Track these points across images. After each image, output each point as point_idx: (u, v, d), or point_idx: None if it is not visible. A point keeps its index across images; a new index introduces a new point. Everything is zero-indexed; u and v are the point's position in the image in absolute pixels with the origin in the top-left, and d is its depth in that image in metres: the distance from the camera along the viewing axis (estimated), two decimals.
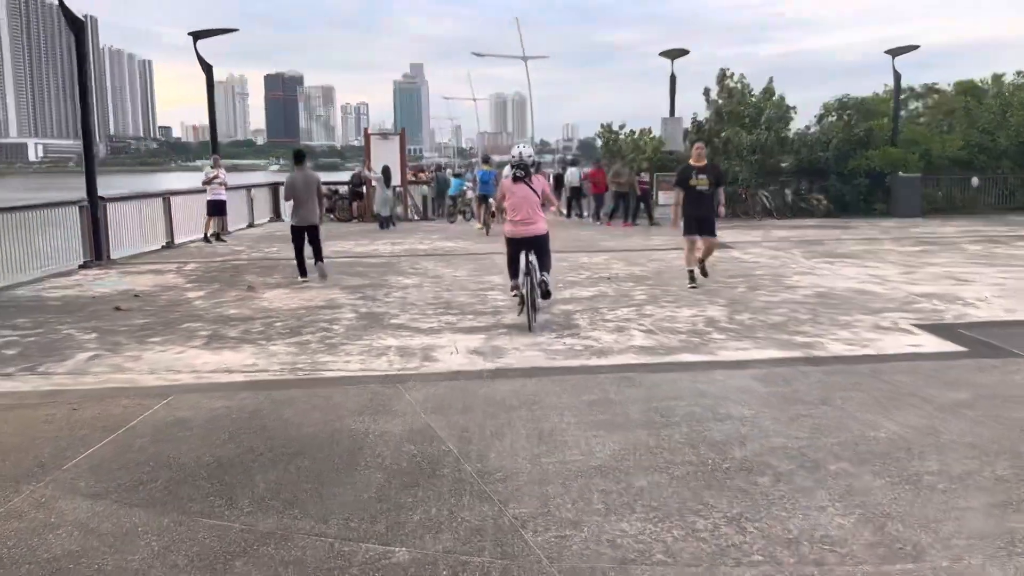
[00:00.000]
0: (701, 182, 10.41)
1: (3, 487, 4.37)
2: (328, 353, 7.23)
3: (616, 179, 20.40)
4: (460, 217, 22.65)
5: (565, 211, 24.20)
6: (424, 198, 24.85)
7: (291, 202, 11.61)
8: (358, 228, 20.49)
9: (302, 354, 7.20)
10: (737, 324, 8.27)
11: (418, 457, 4.68)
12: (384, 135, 23.54)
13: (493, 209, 14.37)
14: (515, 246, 8.37)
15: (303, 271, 11.50)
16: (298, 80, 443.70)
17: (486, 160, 23.71)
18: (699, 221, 10.41)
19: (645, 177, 20.61)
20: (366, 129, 25.44)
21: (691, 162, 10.70)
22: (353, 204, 22.71)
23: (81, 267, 12.96)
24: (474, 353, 7.18)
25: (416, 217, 24.02)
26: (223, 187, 17.12)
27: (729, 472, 4.41)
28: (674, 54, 22.74)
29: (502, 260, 9.11)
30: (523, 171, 8.39)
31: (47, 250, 12.61)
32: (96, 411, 5.67)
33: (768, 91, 22.24)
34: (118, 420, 5.44)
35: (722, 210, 10.82)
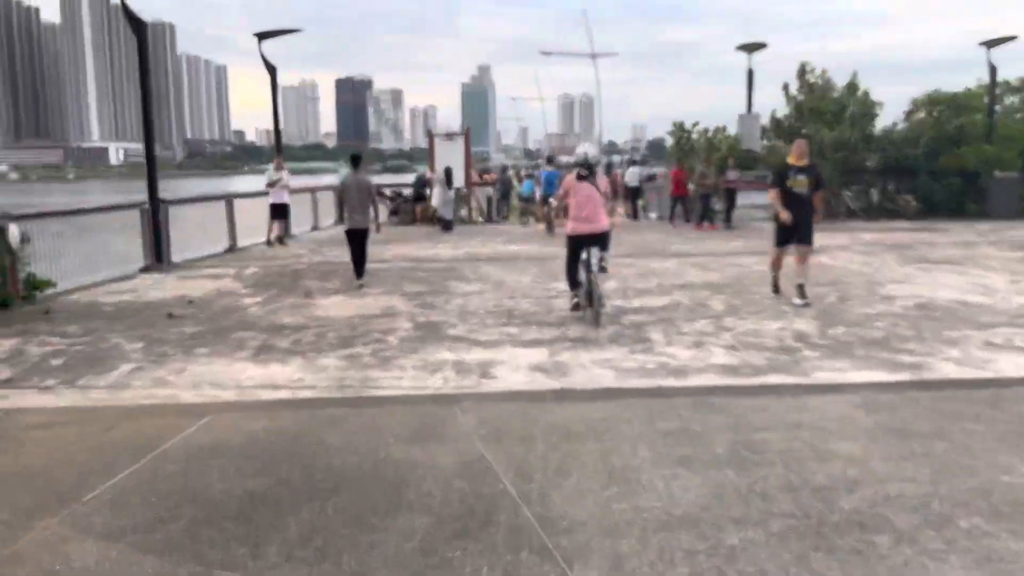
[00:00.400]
0: (800, 183, 9.22)
1: (15, 522, 3.96)
2: (380, 368, 6.71)
3: (701, 180, 19.50)
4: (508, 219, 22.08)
5: (632, 213, 23.45)
6: (489, 200, 24.36)
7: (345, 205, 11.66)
8: (421, 231, 20.11)
9: (352, 368, 6.70)
10: (830, 339, 7.45)
11: (471, 498, 4.09)
12: (449, 136, 23.13)
13: (555, 209, 14.32)
14: (578, 243, 8.61)
15: (359, 272, 11.45)
16: (367, 84, 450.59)
17: (551, 160, 23.12)
18: (794, 227, 9.23)
19: (733, 175, 19.54)
20: (430, 130, 25.12)
21: (790, 160, 9.47)
22: (417, 207, 22.35)
23: (141, 271, 12.82)
24: (536, 370, 6.57)
25: (480, 219, 23.55)
26: (286, 190, 16.89)
27: (838, 528, 3.70)
28: (751, 48, 21.70)
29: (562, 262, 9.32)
30: (587, 170, 8.62)
31: (108, 254, 12.52)
32: (129, 431, 5.26)
33: (852, 86, 21.03)
34: (150, 442, 5.01)
35: (818, 216, 9.54)
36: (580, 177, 8.56)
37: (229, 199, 16.14)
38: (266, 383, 6.34)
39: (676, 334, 7.77)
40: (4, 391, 6.22)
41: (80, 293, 10.66)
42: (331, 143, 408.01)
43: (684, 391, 5.93)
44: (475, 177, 25.10)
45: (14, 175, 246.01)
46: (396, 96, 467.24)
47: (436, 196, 20.38)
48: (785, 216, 9.22)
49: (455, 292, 10.40)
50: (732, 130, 22.21)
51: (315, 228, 20.51)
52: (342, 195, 11.91)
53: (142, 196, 13.49)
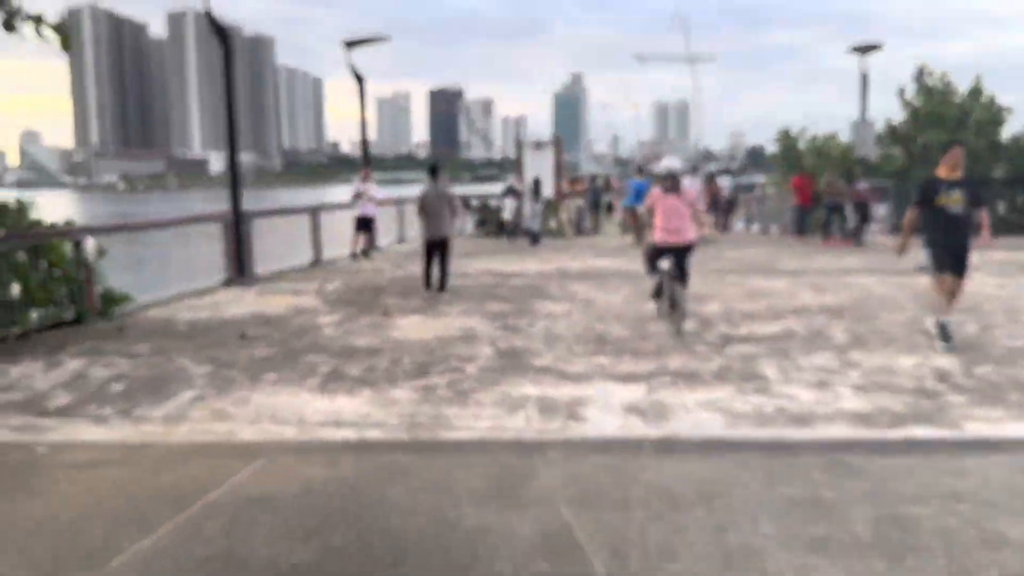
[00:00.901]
0: (954, 200, 7.58)
1: None
2: (455, 403, 6.03)
3: (829, 189, 18.17)
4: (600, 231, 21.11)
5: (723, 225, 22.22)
6: (579, 211, 23.55)
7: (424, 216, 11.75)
8: (507, 244, 19.49)
9: (425, 403, 6.04)
10: (978, 380, 6.37)
11: None
12: (538, 145, 22.50)
13: (641, 221, 14.15)
14: (659, 252, 8.78)
15: (428, 283, 11.53)
16: (459, 93, 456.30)
17: (640, 170, 22.20)
18: (951, 254, 7.63)
19: (863, 185, 18.05)
20: (519, 139, 24.53)
21: (939, 173, 7.78)
22: (504, 218, 21.73)
23: (223, 284, 12.58)
24: (632, 411, 5.76)
25: (570, 232, 22.79)
26: (372, 202, 16.54)
27: None
28: (865, 49, 20.21)
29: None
30: (672, 182, 8.70)
31: (192, 266, 12.35)
32: (176, 475, 4.73)
33: (976, 91, 19.36)
34: (196, 490, 4.45)
35: (986, 235, 7.93)
36: (665, 190, 8.70)
37: (314, 211, 15.87)
38: (330, 419, 5.75)
39: (794, 369, 6.82)
40: (57, 421, 5.83)
41: (158, 308, 10.41)
42: (422, 153, 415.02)
43: (810, 445, 5.02)
44: (565, 187, 24.38)
45: (121, 185, 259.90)
46: (487, 105, 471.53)
47: (524, 208, 19.71)
48: (902, 251, 8.07)
49: (541, 313, 9.67)
50: (841, 137, 20.80)
51: (402, 240, 20.16)
52: (422, 206, 11.82)
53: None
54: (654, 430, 5.36)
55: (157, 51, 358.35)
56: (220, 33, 12.55)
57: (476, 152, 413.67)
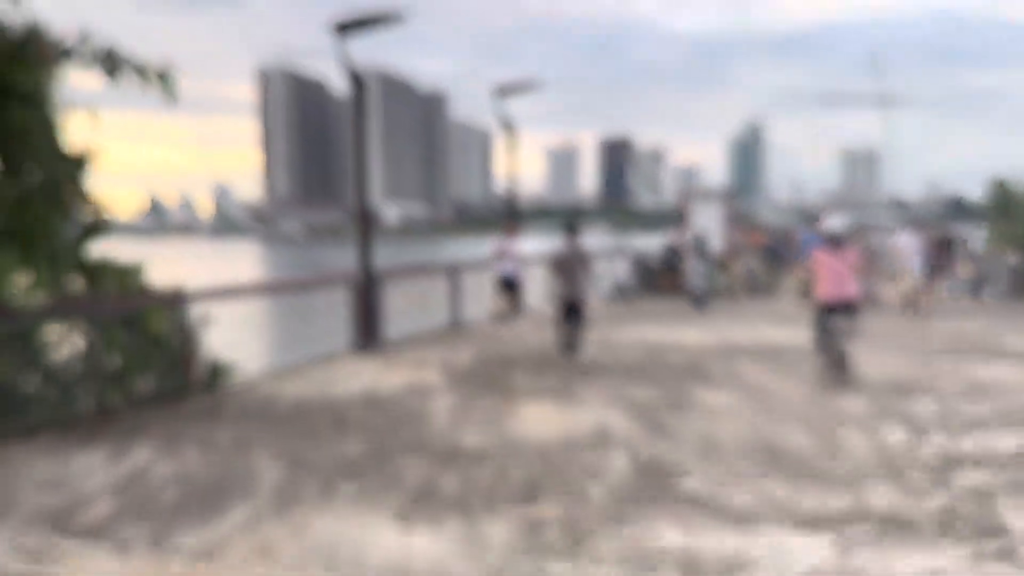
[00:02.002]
0: None
1: None
2: (566, 555, 4.42)
3: None
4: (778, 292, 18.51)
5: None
6: (754, 269, 21.12)
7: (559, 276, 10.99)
8: (667, 306, 17.62)
9: (524, 551, 4.47)
10: None
11: None
12: (705, 195, 20.55)
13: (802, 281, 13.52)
14: (826, 312, 9.01)
15: (564, 349, 10.80)
16: (628, 142, 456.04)
17: (814, 223, 19.70)
18: None
19: None
20: (684, 190, 22.65)
21: None
22: (664, 276, 19.86)
23: (349, 352, 11.64)
24: None
25: (742, 292, 20.53)
26: (516, 260, 15.28)
27: None
28: None
29: (855, 361, 9.06)
30: (836, 241, 9.00)
31: (326, 327, 11.51)
32: None
33: None
34: None
35: None
36: (828, 249, 9.01)
37: (452, 270, 14.80)
38: (396, 566, 4.30)
39: None
40: (76, 544, 4.74)
41: (269, 381, 9.49)
42: (590, 203, 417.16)
43: None
44: (740, 239, 22.21)
45: (302, 234, 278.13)
46: (658, 154, 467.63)
47: (688, 266, 17.73)
48: None
49: (697, 405, 7.86)
50: None
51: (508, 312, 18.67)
52: (555, 265, 11.12)
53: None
54: None
55: (339, 108, 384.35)
56: (354, 79, 11.81)
57: (646, 201, 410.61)
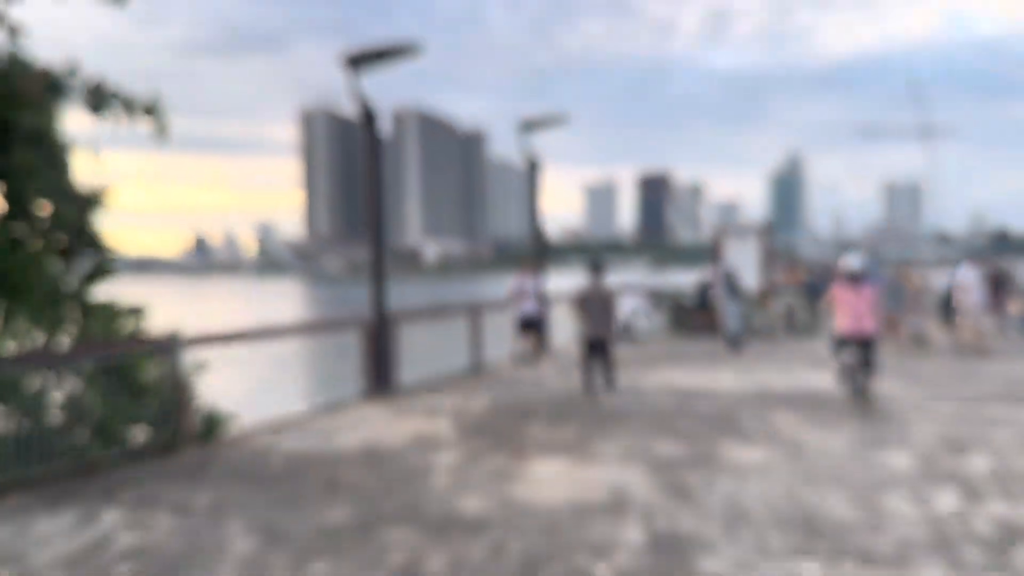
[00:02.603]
0: None
1: None
2: None
3: None
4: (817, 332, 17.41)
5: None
6: (791, 306, 20.14)
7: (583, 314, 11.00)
8: (700, 347, 16.80)
9: None
10: None
11: None
12: (740, 231, 19.76)
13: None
14: (842, 343, 9.82)
15: (588, 389, 10.84)
16: (667, 177, 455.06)
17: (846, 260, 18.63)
18: None
19: None
20: (718, 225, 21.88)
21: None
22: (698, 316, 19.05)
23: (361, 399, 11.07)
24: None
25: (781, 332, 19.62)
26: (537, 299, 14.64)
27: None
28: None
29: (900, 409, 9.29)
30: (854, 279, 9.85)
31: (322, 377, 10.98)
32: None
33: None
34: None
35: None
36: (848, 285, 9.89)
37: (474, 310, 14.21)
38: None
39: None
40: None
41: (268, 432, 8.92)
42: (629, 238, 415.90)
43: None
44: (780, 277, 21.33)
45: (343, 272, 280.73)
46: (697, 188, 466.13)
47: (719, 305, 16.91)
48: None
49: (726, 464, 7.09)
50: None
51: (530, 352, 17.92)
52: (579, 303, 11.02)
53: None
54: None
55: (381, 146, 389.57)
56: (367, 115, 11.40)
57: (684, 236, 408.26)
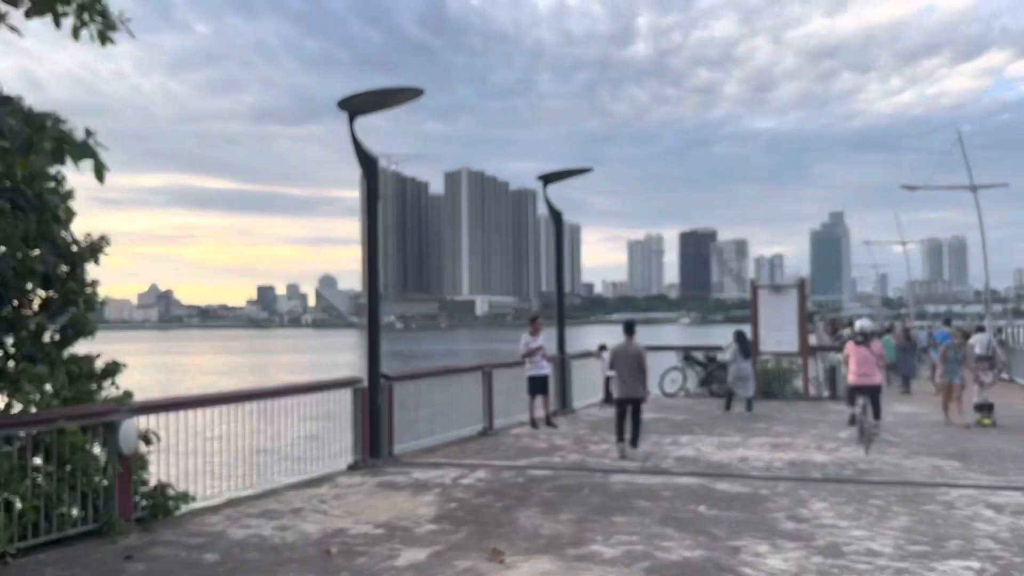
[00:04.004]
0: None
1: None
2: None
3: None
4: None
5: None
6: (834, 368, 18.56)
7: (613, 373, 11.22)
8: (735, 410, 15.39)
9: None
10: None
11: None
12: (777, 288, 18.40)
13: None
14: (855, 392, 11.38)
15: (621, 437, 10.69)
16: (711, 235, 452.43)
17: (948, 322, 17.24)
18: None
19: None
20: (753, 281, 20.54)
21: None
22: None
23: (350, 468, 9.96)
24: None
25: (823, 394, 18.08)
26: (545, 359, 13.43)
27: None
28: None
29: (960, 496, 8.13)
30: (863, 337, 11.63)
31: (314, 445, 9.89)
32: None
33: None
34: None
35: None
36: (857, 343, 11.52)
37: (486, 370, 13.08)
38: None
39: None
40: None
41: (225, 514, 7.81)
42: (673, 294, 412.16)
43: None
44: (824, 334, 19.82)
45: (399, 324, 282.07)
46: (741, 246, 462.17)
47: (731, 367, 15.64)
48: None
49: (750, 571, 5.79)
50: None
51: (608, 399, 16.69)
52: (611, 362, 11.34)
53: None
54: None
55: (435, 205, 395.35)
56: (365, 161, 10.54)
57: (729, 292, 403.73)
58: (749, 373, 15.56)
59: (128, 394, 7.94)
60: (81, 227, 8.57)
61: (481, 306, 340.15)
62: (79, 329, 8.51)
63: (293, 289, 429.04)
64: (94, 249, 8.63)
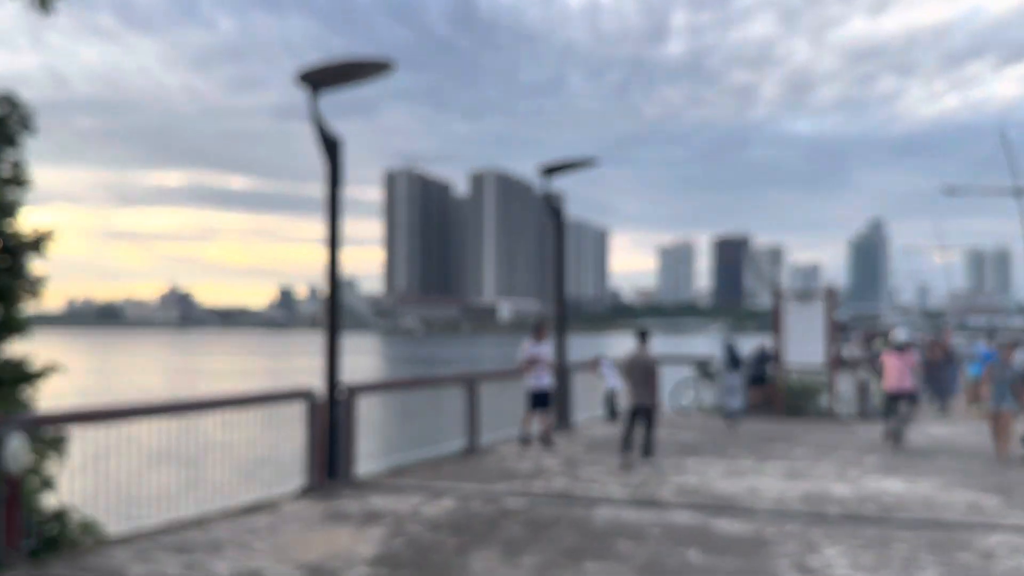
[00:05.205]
0: None
1: None
2: None
3: None
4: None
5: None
6: (865, 384, 17.05)
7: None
8: (753, 428, 14.04)
9: None
10: None
11: None
12: (802, 296, 16.98)
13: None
14: (892, 399, 12.12)
15: (627, 446, 10.45)
16: (744, 242, 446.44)
17: (991, 336, 15.80)
18: None
19: None
20: (776, 289, 19.13)
21: None
22: (753, 391, 16.25)
23: (303, 491, 8.84)
24: None
25: (851, 414, 16.62)
26: (548, 370, 12.21)
27: None
28: None
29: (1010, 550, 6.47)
30: (899, 347, 12.30)
31: (266, 464, 8.82)
32: None
33: None
34: None
35: None
36: (895, 353, 12.30)
37: (471, 381, 11.90)
38: None
39: None
40: None
41: (134, 546, 6.73)
42: (705, 301, 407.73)
43: None
44: (854, 347, 18.43)
45: (420, 329, 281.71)
46: (775, 253, 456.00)
47: (720, 380, 14.64)
48: None
49: None
50: None
51: (614, 413, 15.43)
52: (624, 370, 11.22)
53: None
54: None
55: (458, 208, 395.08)
56: (328, 143, 9.46)
57: (762, 300, 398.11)
58: (737, 385, 14.62)
59: (22, 403, 6.93)
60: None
61: (506, 310, 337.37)
62: (9, 326, 7.70)
63: (314, 291, 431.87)
64: (38, 243, 7.85)
